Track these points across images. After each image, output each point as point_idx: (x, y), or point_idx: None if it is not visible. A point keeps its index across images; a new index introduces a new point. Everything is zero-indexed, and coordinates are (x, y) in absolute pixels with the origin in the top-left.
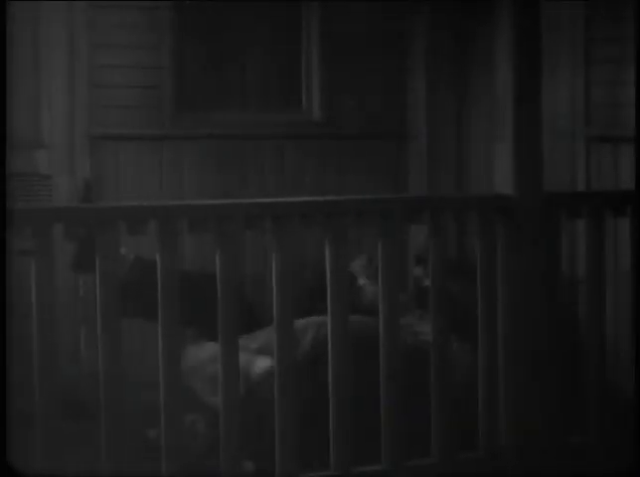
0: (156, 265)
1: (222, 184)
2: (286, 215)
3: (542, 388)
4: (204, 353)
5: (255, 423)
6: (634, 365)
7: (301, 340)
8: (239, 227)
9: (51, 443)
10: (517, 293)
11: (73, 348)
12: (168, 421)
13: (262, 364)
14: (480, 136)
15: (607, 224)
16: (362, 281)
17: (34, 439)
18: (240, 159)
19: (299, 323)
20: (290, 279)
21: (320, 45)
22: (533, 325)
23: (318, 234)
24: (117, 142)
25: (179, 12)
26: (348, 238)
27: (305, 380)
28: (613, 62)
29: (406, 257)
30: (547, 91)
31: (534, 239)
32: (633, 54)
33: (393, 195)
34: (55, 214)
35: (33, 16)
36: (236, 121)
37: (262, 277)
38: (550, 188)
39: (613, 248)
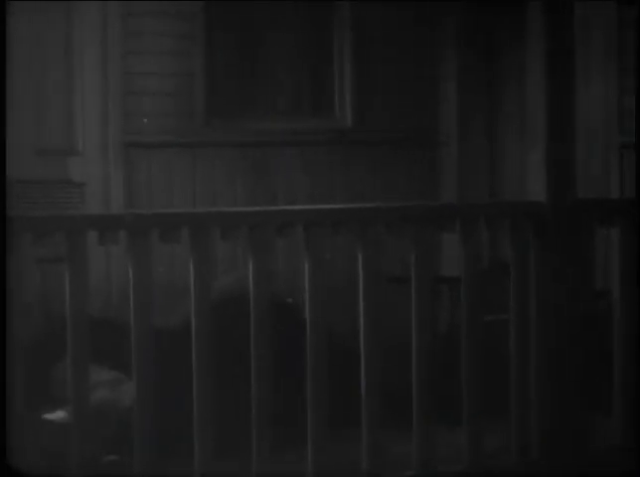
0: None
1: (253, 191)
2: (318, 222)
3: (572, 394)
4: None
5: None
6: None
7: None
8: (270, 234)
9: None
10: (549, 300)
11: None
12: None
13: None
14: (511, 142)
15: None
16: None
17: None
18: (271, 166)
19: None
20: (322, 285)
21: (352, 51)
22: (564, 331)
23: (349, 240)
24: (150, 150)
25: (211, 19)
26: (380, 245)
27: None
28: None
29: (440, 265)
30: (580, 99)
31: (566, 247)
32: None
33: (424, 202)
34: (88, 221)
35: (66, 24)
36: (267, 128)
37: (293, 284)
38: (583, 196)
39: None
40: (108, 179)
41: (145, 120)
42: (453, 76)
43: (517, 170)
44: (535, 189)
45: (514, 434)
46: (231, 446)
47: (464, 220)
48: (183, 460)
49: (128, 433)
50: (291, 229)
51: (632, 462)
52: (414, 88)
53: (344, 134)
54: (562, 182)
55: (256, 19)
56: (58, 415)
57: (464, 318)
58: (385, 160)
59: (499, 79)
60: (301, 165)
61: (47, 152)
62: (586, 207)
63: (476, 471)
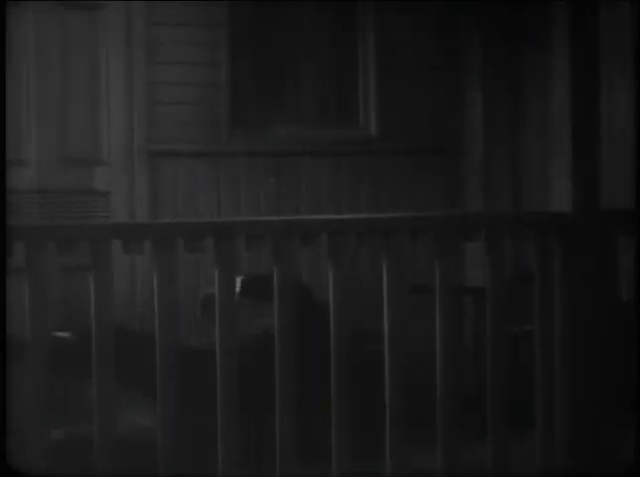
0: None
1: (278, 200)
2: (342, 232)
3: (600, 402)
4: None
5: None
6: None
7: None
8: (295, 243)
9: None
10: (574, 310)
11: None
12: None
13: None
14: (535, 152)
15: None
16: None
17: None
18: (296, 175)
19: None
20: (346, 295)
21: (377, 60)
22: (590, 341)
23: (374, 251)
24: (174, 158)
25: (236, 29)
26: (405, 255)
27: None
28: None
29: (463, 275)
30: (604, 108)
31: (591, 257)
32: None
33: (448, 212)
34: (113, 230)
35: (92, 33)
36: (291, 137)
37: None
38: (608, 205)
39: None
40: (133, 188)
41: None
42: (477, 84)
43: (541, 179)
44: (559, 198)
45: (539, 444)
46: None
47: (489, 229)
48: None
49: None
50: (316, 238)
51: None
52: (439, 98)
53: (368, 144)
54: (587, 191)
55: (281, 29)
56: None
57: (489, 329)
58: (409, 169)
59: (523, 88)
60: (325, 175)
61: (72, 161)
62: (611, 216)
63: None
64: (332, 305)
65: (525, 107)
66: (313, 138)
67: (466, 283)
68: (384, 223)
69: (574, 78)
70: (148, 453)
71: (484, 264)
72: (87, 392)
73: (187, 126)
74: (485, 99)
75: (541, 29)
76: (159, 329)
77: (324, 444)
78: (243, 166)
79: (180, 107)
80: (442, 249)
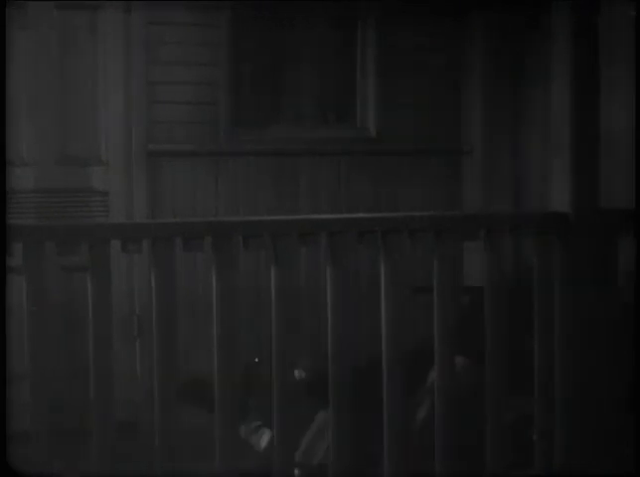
0: None
1: (276, 200)
2: (341, 231)
3: (599, 401)
4: None
5: None
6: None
7: None
8: (293, 243)
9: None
10: (575, 312)
11: (128, 364)
12: None
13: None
14: (535, 152)
15: None
16: None
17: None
18: (294, 175)
19: None
20: (345, 295)
21: (375, 60)
22: (589, 343)
23: (373, 250)
24: (173, 158)
25: (234, 29)
26: (404, 255)
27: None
28: None
29: (461, 275)
30: (604, 107)
31: (590, 257)
32: None
33: (447, 212)
34: (112, 230)
35: (90, 33)
36: (290, 137)
37: (316, 293)
38: (607, 205)
39: None
40: (132, 188)
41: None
42: (477, 84)
43: (541, 179)
44: (559, 198)
45: (538, 445)
46: None
47: (488, 229)
48: None
49: None
50: (315, 237)
51: None
52: (438, 98)
53: (367, 144)
54: (587, 191)
55: (281, 30)
56: None
57: (488, 327)
58: (408, 169)
59: (523, 88)
60: (324, 175)
61: (70, 161)
62: (611, 217)
63: None
64: (330, 305)
65: (525, 107)
66: (312, 138)
67: (465, 283)
68: (383, 222)
69: (574, 78)
70: None
71: (483, 264)
72: None
73: (186, 126)
74: (485, 99)
75: (541, 29)
76: (156, 327)
77: None
78: (242, 166)
79: (179, 107)
80: (441, 249)
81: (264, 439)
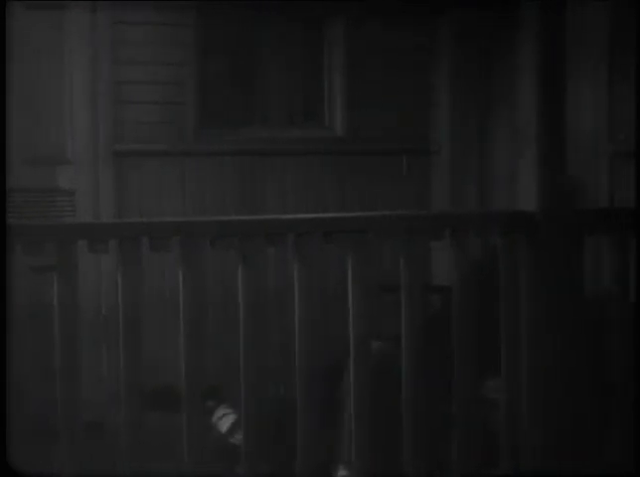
0: None
1: (244, 200)
2: (309, 231)
3: (567, 404)
4: None
5: None
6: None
7: None
8: (261, 243)
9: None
10: (540, 310)
11: (94, 365)
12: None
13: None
14: (503, 151)
15: (631, 241)
16: None
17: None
18: (262, 175)
19: None
20: (312, 296)
21: (343, 60)
22: (556, 343)
23: (341, 250)
24: (140, 158)
25: (202, 29)
26: (372, 254)
27: None
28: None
29: (430, 274)
30: (570, 107)
31: (557, 256)
32: None
33: (415, 211)
34: (79, 230)
35: (56, 32)
36: (258, 137)
37: (284, 294)
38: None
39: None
40: (98, 187)
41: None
42: (445, 84)
43: (508, 178)
44: (525, 197)
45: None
46: None
47: (455, 229)
48: None
49: None
50: (282, 237)
51: None
52: (406, 98)
53: (335, 144)
54: (554, 191)
55: (248, 30)
56: None
57: (455, 324)
58: (376, 169)
59: (491, 88)
60: (292, 175)
61: (37, 161)
62: (577, 216)
63: None
64: (297, 305)
65: (492, 107)
66: (279, 138)
67: (433, 282)
68: (351, 222)
69: (541, 77)
70: None
71: (450, 263)
72: None
73: (153, 126)
74: (452, 99)
75: (509, 28)
76: (123, 327)
77: None
78: (209, 166)
79: (146, 107)
80: (409, 248)
81: (226, 423)
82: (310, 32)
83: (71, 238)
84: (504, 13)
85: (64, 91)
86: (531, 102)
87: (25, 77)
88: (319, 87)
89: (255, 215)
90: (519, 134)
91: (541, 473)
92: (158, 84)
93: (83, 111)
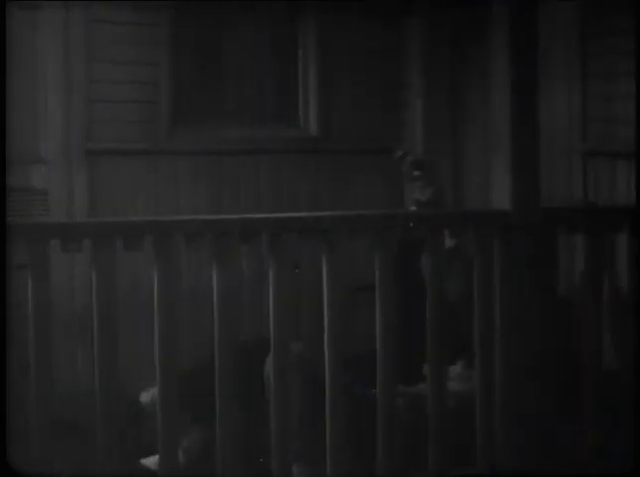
0: None
1: (218, 199)
2: (283, 230)
3: (539, 401)
4: None
5: None
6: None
7: None
8: (235, 242)
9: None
10: (514, 309)
11: (69, 362)
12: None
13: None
14: (476, 151)
15: (605, 240)
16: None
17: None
18: (236, 174)
19: None
20: (286, 294)
21: (317, 61)
22: (530, 340)
23: (315, 248)
24: (113, 157)
25: (176, 28)
26: (345, 253)
27: None
28: (609, 76)
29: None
30: (543, 106)
31: (531, 255)
32: (628, 68)
33: (388, 211)
34: (51, 229)
35: (30, 31)
36: (232, 137)
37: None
38: (547, 203)
39: (610, 265)
40: (72, 186)
41: None
42: (418, 84)
43: (482, 177)
44: (499, 196)
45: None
46: None
47: (428, 228)
48: None
49: None
50: (256, 236)
51: None
52: (379, 98)
53: (308, 144)
54: (527, 189)
55: (222, 29)
56: None
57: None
58: (350, 168)
59: (463, 87)
60: (266, 173)
61: (9, 159)
62: (552, 214)
63: None
64: (272, 303)
65: (465, 106)
66: (253, 137)
67: None
68: (324, 221)
69: (514, 76)
70: None
71: (424, 263)
72: None
73: (126, 125)
74: (425, 99)
75: (481, 29)
76: (97, 325)
77: None
78: (183, 165)
79: (119, 106)
80: (383, 247)
81: (147, 395)
82: (284, 31)
83: (43, 237)
84: (476, 12)
85: (37, 90)
86: (503, 102)
87: None
88: (293, 87)
89: (229, 213)
90: (492, 133)
91: (518, 473)
92: (132, 84)
93: (57, 110)
